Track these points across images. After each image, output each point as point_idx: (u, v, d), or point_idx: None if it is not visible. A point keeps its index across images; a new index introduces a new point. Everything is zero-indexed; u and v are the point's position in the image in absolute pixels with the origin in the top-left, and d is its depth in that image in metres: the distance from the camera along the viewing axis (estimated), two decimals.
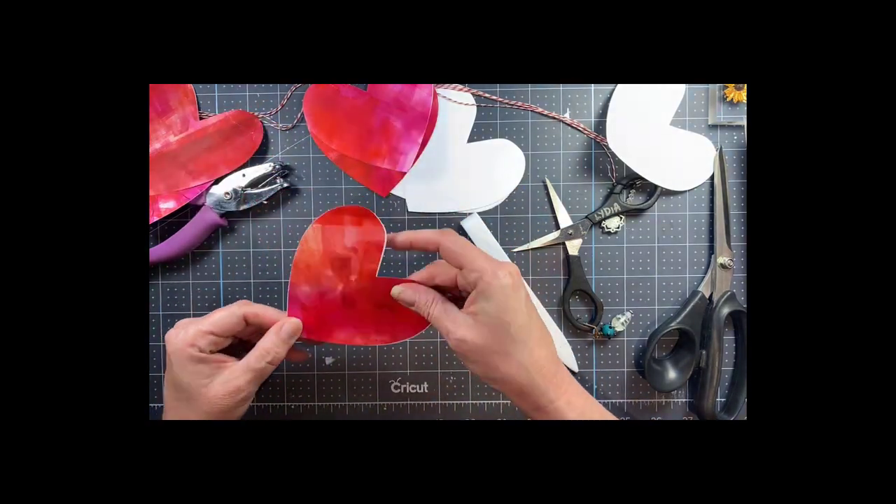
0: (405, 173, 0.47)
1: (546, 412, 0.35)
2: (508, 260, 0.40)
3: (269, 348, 0.37)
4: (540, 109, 0.47)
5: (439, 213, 0.48)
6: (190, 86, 0.47)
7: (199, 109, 0.47)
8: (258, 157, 0.47)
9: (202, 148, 0.46)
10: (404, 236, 0.38)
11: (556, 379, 0.35)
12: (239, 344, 0.40)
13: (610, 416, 0.38)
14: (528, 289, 0.35)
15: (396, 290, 0.38)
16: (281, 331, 0.38)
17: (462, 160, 0.47)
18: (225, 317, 0.38)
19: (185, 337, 0.37)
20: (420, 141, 0.47)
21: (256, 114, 0.47)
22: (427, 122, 0.47)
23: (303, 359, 0.44)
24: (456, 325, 0.34)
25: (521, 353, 0.33)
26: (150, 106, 0.46)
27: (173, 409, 0.38)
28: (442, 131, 0.47)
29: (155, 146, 0.46)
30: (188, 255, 0.48)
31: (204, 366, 0.37)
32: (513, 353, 0.33)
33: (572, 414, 0.34)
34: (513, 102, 0.47)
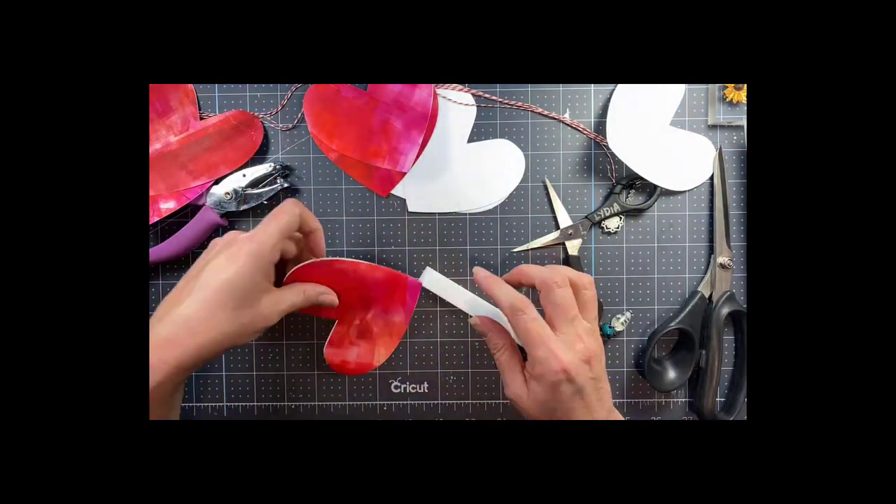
0: (405, 173, 0.47)
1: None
2: (587, 335, 0.36)
3: (310, 296, 0.40)
4: (540, 110, 0.47)
5: (439, 214, 0.48)
6: (190, 86, 0.47)
7: (200, 109, 0.47)
8: (258, 157, 0.47)
9: (202, 148, 0.46)
10: (486, 282, 0.40)
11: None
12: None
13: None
14: (587, 376, 0.35)
15: (474, 321, 0.41)
16: (322, 296, 0.41)
17: (462, 160, 0.47)
18: (292, 214, 0.38)
19: (261, 238, 0.36)
20: (420, 141, 0.47)
21: (256, 114, 0.47)
22: (427, 122, 0.47)
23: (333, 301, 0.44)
24: (513, 381, 0.37)
25: (563, 417, 0.36)
26: (150, 106, 0.46)
27: (192, 303, 0.34)
28: (442, 131, 0.47)
29: (155, 146, 0.46)
30: (188, 255, 0.48)
31: (266, 280, 0.36)
32: (555, 417, 0.36)
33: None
34: (513, 102, 0.47)
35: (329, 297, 0.42)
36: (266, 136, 0.47)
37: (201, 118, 0.47)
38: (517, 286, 0.40)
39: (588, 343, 0.36)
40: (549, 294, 0.36)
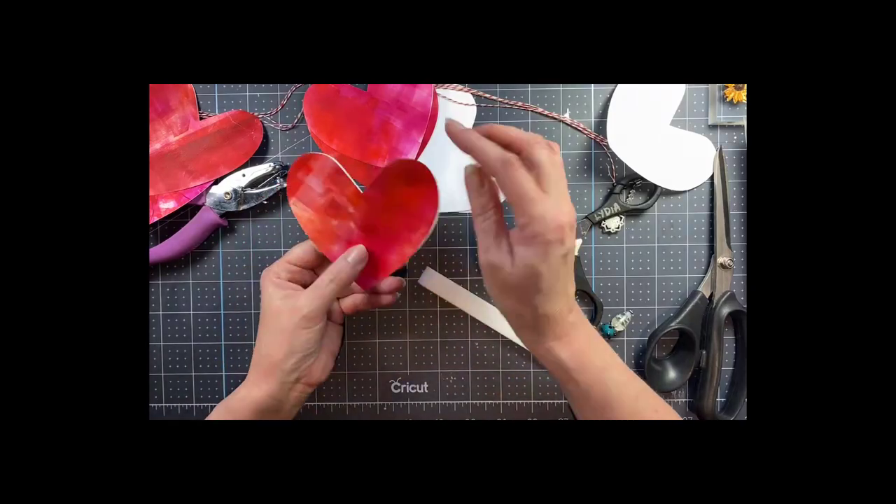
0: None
1: (538, 348, 0.36)
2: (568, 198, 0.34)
3: (335, 270, 0.40)
4: (540, 110, 0.47)
5: (439, 213, 0.48)
6: (190, 86, 0.47)
7: (199, 109, 0.47)
8: (258, 156, 0.47)
9: (202, 148, 0.46)
10: (462, 135, 0.36)
11: (562, 323, 0.35)
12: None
13: (618, 369, 0.37)
14: (573, 239, 0.34)
15: (469, 170, 0.37)
16: (349, 256, 0.40)
17: (462, 160, 0.47)
18: (300, 251, 0.42)
19: (272, 269, 0.41)
20: (420, 141, 0.47)
21: (256, 114, 0.47)
22: (427, 122, 0.46)
23: (391, 301, 0.44)
24: (497, 247, 0.35)
25: (538, 299, 0.34)
26: (150, 106, 0.46)
27: (259, 340, 0.40)
28: (442, 131, 0.47)
29: (155, 146, 0.46)
30: (188, 255, 0.48)
31: (280, 290, 0.40)
32: (531, 298, 0.34)
33: (565, 354, 0.35)
34: (513, 102, 0.47)
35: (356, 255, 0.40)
36: (266, 136, 0.47)
37: (201, 118, 0.47)
38: (486, 137, 0.36)
39: (571, 210, 0.34)
40: (535, 152, 0.33)
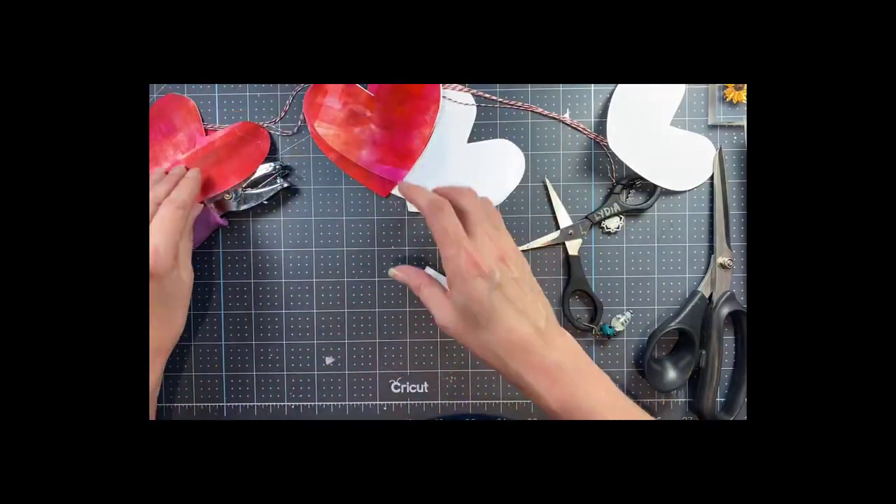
0: (406, 173, 0.47)
1: (518, 382, 0.36)
2: (504, 236, 0.38)
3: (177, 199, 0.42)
4: (540, 110, 0.47)
5: None
6: (192, 102, 0.47)
7: (203, 122, 0.47)
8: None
9: (211, 162, 0.46)
10: (409, 190, 0.39)
11: (531, 355, 0.35)
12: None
13: (611, 407, 0.36)
14: (508, 273, 0.36)
15: (392, 272, 0.42)
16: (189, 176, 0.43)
17: (462, 160, 0.47)
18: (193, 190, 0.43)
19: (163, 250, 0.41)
20: (420, 141, 0.47)
21: (261, 123, 0.47)
22: (427, 122, 0.47)
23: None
24: (438, 308, 0.37)
25: (484, 334, 0.36)
26: (155, 127, 0.47)
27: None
28: (442, 131, 0.47)
29: (164, 165, 0.46)
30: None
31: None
32: (479, 335, 0.36)
33: (541, 386, 0.35)
34: (513, 102, 0.47)
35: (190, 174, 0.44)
36: (273, 142, 0.47)
37: (206, 131, 0.47)
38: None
39: (500, 243, 0.36)
40: (461, 199, 0.37)
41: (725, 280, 0.47)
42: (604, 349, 0.48)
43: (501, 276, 0.35)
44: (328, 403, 0.49)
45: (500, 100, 0.47)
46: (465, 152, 0.47)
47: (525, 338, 0.35)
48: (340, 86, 0.47)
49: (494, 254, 0.36)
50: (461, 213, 0.37)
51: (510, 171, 0.47)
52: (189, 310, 0.49)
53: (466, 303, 0.35)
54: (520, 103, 0.47)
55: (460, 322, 0.36)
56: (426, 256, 0.48)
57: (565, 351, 0.37)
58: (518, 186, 0.47)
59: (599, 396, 0.36)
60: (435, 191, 0.38)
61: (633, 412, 0.37)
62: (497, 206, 0.47)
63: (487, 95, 0.47)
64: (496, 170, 0.47)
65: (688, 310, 0.46)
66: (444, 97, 0.47)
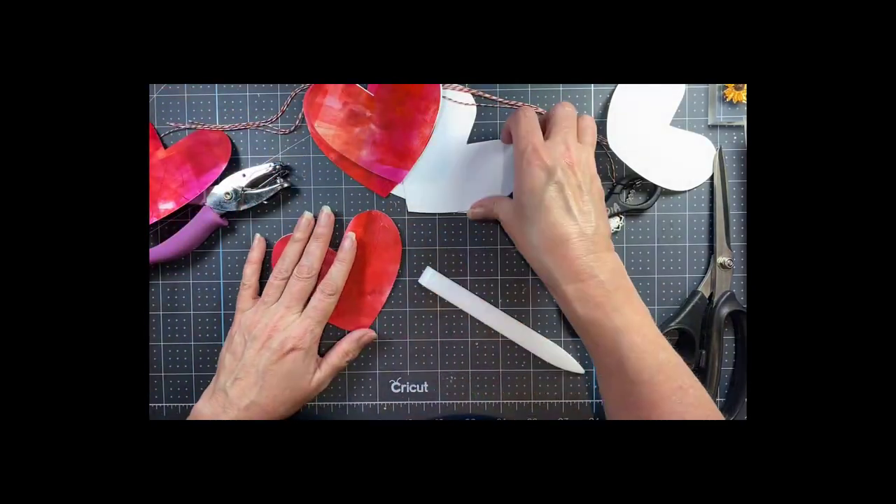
0: (405, 173, 0.47)
1: (555, 292, 0.38)
2: (582, 146, 0.39)
3: (348, 350, 0.46)
4: (540, 110, 0.47)
5: (439, 214, 0.48)
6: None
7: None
8: (257, 157, 0.47)
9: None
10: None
11: (574, 263, 0.35)
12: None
13: (642, 322, 0.35)
14: (571, 174, 0.37)
15: (472, 212, 0.46)
16: (361, 339, 0.46)
17: (462, 160, 0.47)
18: (330, 309, 0.45)
19: (314, 336, 0.44)
20: (420, 141, 0.47)
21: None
22: (427, 122, 0.47)
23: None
24: (500, 204, 0.42)
25: (529, 228, 0.37)
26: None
27: (257, 388, 0.42)
28: (442, 131, 0.47)
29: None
30: (188, 255, 0.48)
31: (314, 362, 0.44)
32: (525, 229, 0.38)
33: (577, 303, 0.35)
34: (513, 102, 0.47)
35: (365, 338, 0.47)
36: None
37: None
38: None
39: (574, 152, 0.38)
40: (554, 109, 0.40)
41: (725, 280, 0.47)
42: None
43: (562, 175, 0.36)
44: (328, 403, 0.49)
45: (500, 99, 0.47)
46: (465, 152, 0.47)
47: (565, 235, 0.35)
48: (340, 86, 0.47)
49: (565, 158, 0.37)
50: (548, 119, 0.40)
51: (510, 172, 0.47)
52: (189, 310, 0.49)
53: (521, 194, 0.37)
54: (520, 103, 0.47)
55: (513, 214, 0.38)
56: (427, 256, 0.48)
57: (607, 264, 0.36)
58: None
59: (632, 319, 0.34)
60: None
61: (661, 342, 0.35)
62: None
63: (487, 95, 0.47)
64: (496, 170, 0.47)
65: (688, 310, 0.46)
66: (444, 97, 0.47)
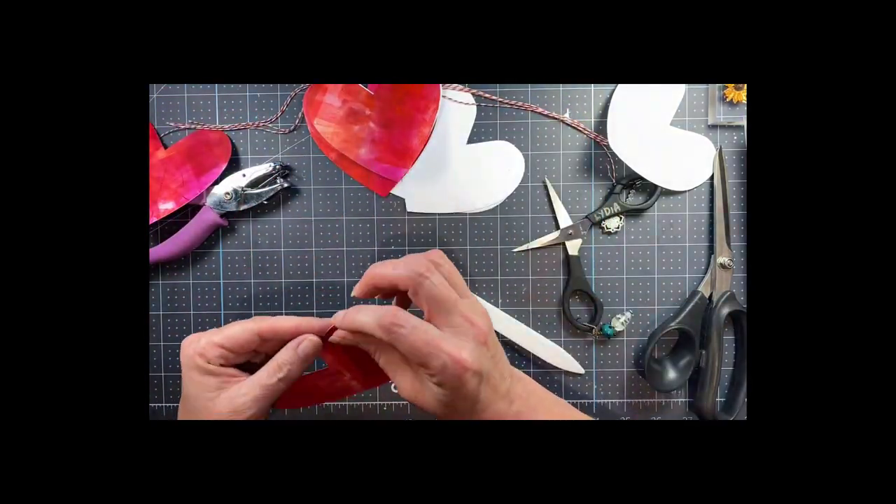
0: (405, 173, 0.47)
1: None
2: (473, 306, 0.34)
3: (283, 363, 0.34)
4: (540, 109, 0.47)
5: (439, 214, 0.48)
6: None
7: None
8: (257, 157, 0.47)
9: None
10: (345, 319, 0.33)
11: (505, 413, 0.34)
12: (259, 361, 0.37)
13: (562, 410, 0.37)
14: (487, 355, 0.33)
15: (334, 338, 0.35)
16: (299, 347, 0.35)
17: (462, 161, 0.47)
18: (238, 332, 0.34)
19: (196, 347, 0.34)
20: (419, 140, 0.47)
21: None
22: (427, 121, 0.47)
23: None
24: (403, 380, 0.34)
25: (464, 416, 0.33)
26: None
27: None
28: (442, 131, 0.47)
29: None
30: (188, 255, 0.48)
31: (212, 378, 0.34)
32: (457, 416, 0.34)
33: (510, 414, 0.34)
34: (513, 102, 0.47)
35: (305, 346, 0.35)
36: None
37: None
38: (375, 296, 0.35)
39: (478, 322, 0.33)
40: (420, 289, 0.32)
41: (725, 280, 0.47)
42: (604, 349, 0.48)
43: (485, 364, 0.32)
44: (328, 403, 0.49)
45: (500, 99, 0.47)
46: (465, 153, 0.47)
47: (501, 412, 0.34)
48: (338, 85, 0.47)
49: (479, 341, 0.32)
50: (420, 301, 0.32)
51: (509, 173, 0.47)
52: (189, 310, 0.49)
53: (453, 399, 0.32)
54: (520, 103, 0.47)
55: (436, 408, 0.33)
56: None
57: (521, 398, 0.35)
58: (518, 186, 0.47)
59: (554, 413, 0.36)
60: (369, 275, 0.34)
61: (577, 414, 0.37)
62: (497, 206, 0.47)
63: (487, 95, 0.47)
64: (495, 171, 0.47)
65: (688, 310, 0.46)
66: (443, 97, 0.47)
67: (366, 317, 0.32)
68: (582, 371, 0.47)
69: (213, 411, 0.34)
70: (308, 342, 0.35)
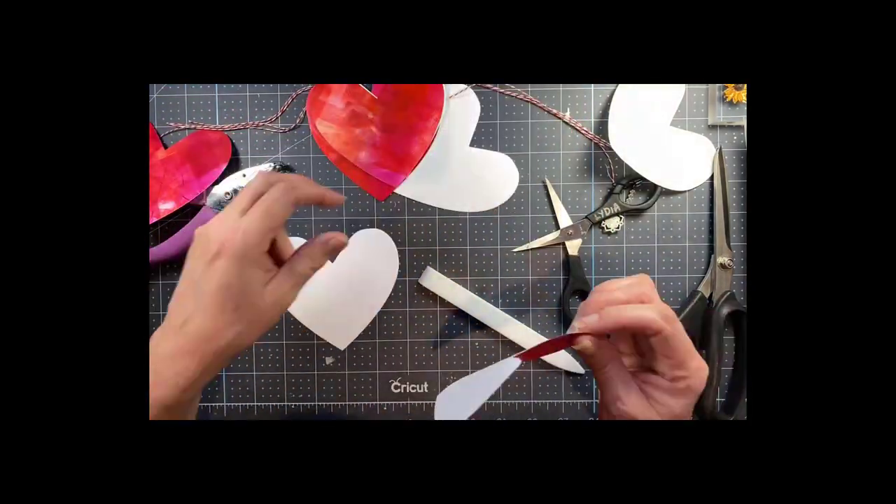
0: (404, 178, 0.47)
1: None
2: None
3: (315, 255, 0.36)
4: (541, 104, 0.47)
5: (439, 214, 0.48)
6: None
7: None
8: (257, 157, 0.47)
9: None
10: (609, 322, 0.32)
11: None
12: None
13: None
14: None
15: (584, 345, 0.33)
16: (328, 243, 0.36)
17: (463, 163, 0.47)
18: (280, 210, 0.33)
19: (242, 236, 0.32)
20: (420, 147, 0.47)
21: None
22: (429, 128, 0.47)
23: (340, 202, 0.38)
24: (628, 394, 0.33)
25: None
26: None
27: (201, 312, 0.33)
28: (444, 132, 0.47)
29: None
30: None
31: (259, 271, 0.34)
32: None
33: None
34: (512, 92, 0.47)
35: (334, 241, 0.36)
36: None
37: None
38: (606, 333, 0.34)
39: (685, 339, 0.33)
40: (672, 337, 0.32)
41: (725, 280, 0.47)
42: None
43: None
44: (328, 403, 0.49)
45: (500, 90, 0.47)
46: (466, 156, 0.47)
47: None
48: (345, 85, 0.47)
49: (694, 360, 0.33)
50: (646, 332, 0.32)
51: (503, 185, 0.47)
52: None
53: (684, 414, 0.33)
54: (520, 94, 0.47)
55: (650, 417, 0.33)
56: (426, 256, 0.48)
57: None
58: (518, 186, 0.47)
59: None
60: (610, 316, 0.32)
61: None
62: (497, 206, 0.48)
63: (488, 86, 0.47)
64: (490, 180, 0.47)
65: (688, 310, 0.46)
66: (446, 95, 0.47)
67: (648, 311, 0.31)
68: (582, 371, 0.47)
69: (260, 306, 0.34)
70: (336, 240, 0.36)
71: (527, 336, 0.47)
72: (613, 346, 0.34)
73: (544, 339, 0.48)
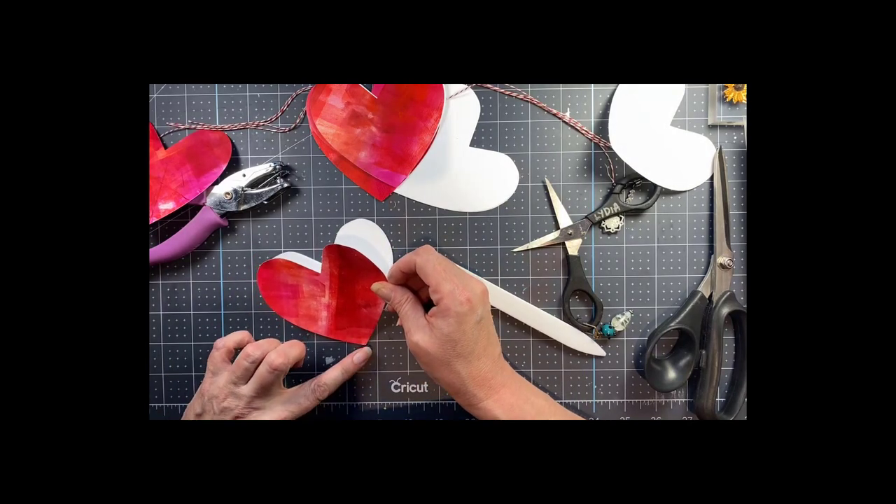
0: (404, 179, 0.47)
1: (476, 409, 0.40)
2: (474, 277, 0.42)
3: (348, 368, 0.47)
4: (541, 104, 0.47)
5: (439, 214, 0.48)
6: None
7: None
8: (257, 157, 0.47)
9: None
10: (393, 269, 0.43)
11: (490, 383, 0.40)
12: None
13: (551, 411, 0.41)
14: (486, 308, 0.40)
15: (375, 286, 0.44)
16: (355, 357, 0.47)
17: (463, 163, 0.47)
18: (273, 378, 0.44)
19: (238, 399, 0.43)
20: (420, 147, 0.47)
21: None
22: (429, 129, 0.47)
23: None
24: (416, 328, 0.40)
25: (460, 364, 0.39)
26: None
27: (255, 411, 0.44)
28: (445, 133, 0.47)
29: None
30: (188, 255, 0.48)
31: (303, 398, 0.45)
32: (453, 364, 0.38)
33: (498, 411, 0.39)
34: (511, 92, 0.47)
35: (359, 355, 0.47)
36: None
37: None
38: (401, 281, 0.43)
39: (474, 284, 0.40)
40: (420, 259, 0.40)
41: (725, 280, 0.47)
42: (603, 349, 0.48)
43: (483, 310, 0.39)
44: (328, 403, 0.49)
45: (500, 90, 0.47)
46: (466, 156, 0.47)
47: (492, 368, 0.40)
48: (345, 85, 0.47)
49: (477, 292, 0.39)
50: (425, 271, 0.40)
51: (502, 185, 0.47)
52: (189, 310, 0.49)
53: (451, 332, 0.38)
54: (519, 94, 0.47)
55: (439, 348, 0.38)
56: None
57: (510, 373, 0.42)
58: (518, 186, 0.47)
59: (541, 404, 0.41)
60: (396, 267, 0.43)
61: (571, 415, 0.43)
62: (497, 206, 0.48)
63: (488, 86, 0.47)
64: (490, 181, 0.47)
65: (688, 310, 0.46)
66: (447, 95, 0.47)
67: (410, 255, 0.41)
68: (603, 353, 0.48)
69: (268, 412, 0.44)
70: (362, 353, 0.48)
71: (547, 321, 0.47)
72: (406, 290, 0.43)
73: (563, 324, 0.48)
